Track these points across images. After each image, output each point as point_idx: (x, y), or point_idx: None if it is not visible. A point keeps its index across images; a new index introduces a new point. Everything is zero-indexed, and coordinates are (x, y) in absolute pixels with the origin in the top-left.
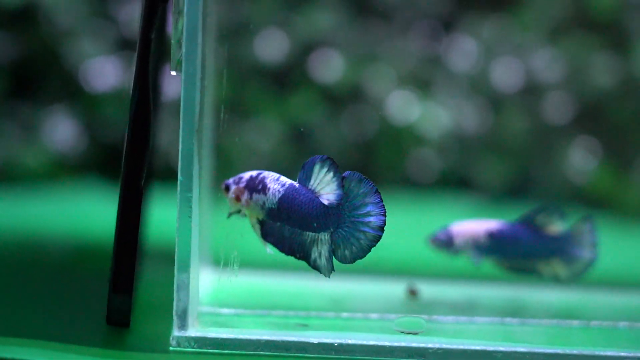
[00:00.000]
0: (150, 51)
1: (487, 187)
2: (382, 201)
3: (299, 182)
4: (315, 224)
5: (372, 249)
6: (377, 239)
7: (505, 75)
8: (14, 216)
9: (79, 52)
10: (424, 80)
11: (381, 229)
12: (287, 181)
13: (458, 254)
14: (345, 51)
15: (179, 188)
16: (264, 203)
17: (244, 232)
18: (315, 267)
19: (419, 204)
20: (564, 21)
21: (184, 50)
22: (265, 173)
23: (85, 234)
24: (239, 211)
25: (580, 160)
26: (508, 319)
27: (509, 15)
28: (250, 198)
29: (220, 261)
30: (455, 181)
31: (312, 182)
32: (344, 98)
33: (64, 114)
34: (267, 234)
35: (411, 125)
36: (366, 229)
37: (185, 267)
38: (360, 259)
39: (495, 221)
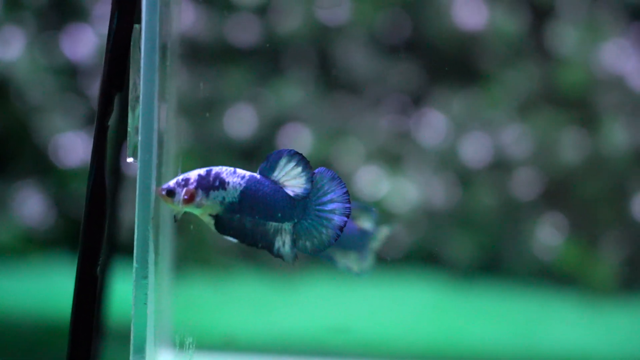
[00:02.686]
0: (106, 140)
1: (456, 262)
2: (349, 202)
3: (260, 173)
4: (279, 215)
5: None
6: (337, 236)
7: (474, 150)
8: None
9: (49, 127)
10: (393, 155)
11: (340, 228)
12: (246, 173)
13: None
14: (315, 126)
15: (134, 275)
16: (224, 198)
17: (204, 313)
18: (278, 255)
19: (387, 279)
20: (533, 97)
21: (140, 137)
22: (217, 168)
23: (54, 310)
24: (183, 212)
25: (548, 236)
26: None
27: (479, 90)
28: (207, 196)
29: (179, 344)
30: (423, 256)
31: (275, 173)
32: None
33: (34, 189)
34: (224, 228)
35: (380, 201)
36: (329, 225)
37: (141, 353)
38: (320, 252)
39: None
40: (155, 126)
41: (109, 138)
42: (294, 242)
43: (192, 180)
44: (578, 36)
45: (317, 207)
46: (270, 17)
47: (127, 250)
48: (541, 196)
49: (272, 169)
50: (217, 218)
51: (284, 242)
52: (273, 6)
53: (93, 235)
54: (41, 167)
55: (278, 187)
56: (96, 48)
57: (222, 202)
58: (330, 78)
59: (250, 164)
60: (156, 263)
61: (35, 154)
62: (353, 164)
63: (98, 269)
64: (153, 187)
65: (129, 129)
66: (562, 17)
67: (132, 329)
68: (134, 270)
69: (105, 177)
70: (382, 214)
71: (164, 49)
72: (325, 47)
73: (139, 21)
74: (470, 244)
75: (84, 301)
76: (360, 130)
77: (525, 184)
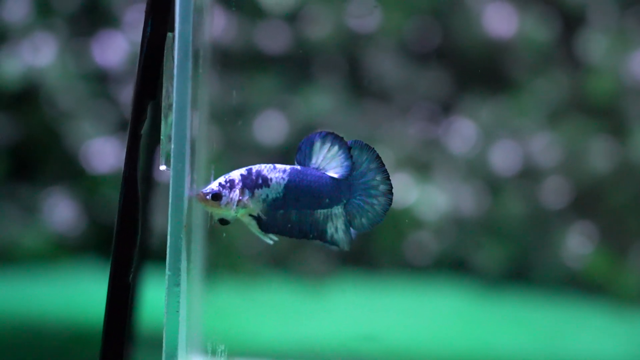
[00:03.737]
0: (139, 148)
1: (484, 271)
2: (384, 165)
3: (298, 164)
4: (327, 200)
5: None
6: (390, 201)
7: (504, 158)
8: (13, 298)
9: (79, 133)
10: (422, 163)
11: (390, 192)
12: (286, 167)
13: None
14: (344, 133)
15: (166, 283)
16: (267, 196)
17: (235, 320)
18: (333, 242)
19: (416, 287)
20: (562, 105)
21: (172, 146)
22: (257, 167)
23: (84, 316)
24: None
25: (577, 245)
26: None
27: (508, 98)
28: (252, 196)
29: (211, 351)
30: (452, 264)
31: (314, 160)
32: None
33: (64, 194)
34: (267, 227)
35: (409, 208)
36: (378, 194)
37: None
38: (378, 223)
39: None
40: (188, 134)
41: (142, 145)
42: (347, 225)
43: (237, 181)
44: (608, 44)
45: (361, 181)
46: (300, 25)
47: (158, 257)
48: (570, 205)
49: (309, 156)
50: (259, 217)
51: (336, 228)
52: (303, 14)
53: (125, 243)
54: (71, 173)
55: (320, 173)
56: (127, 54)
57: (265, 200)
58: (361, 86)
59: None
60: (188, 270)
61: (65, 160)
62: None
63: (130, 276)
64: (186, 195)
65: (162, 137)
66: (592, 26)
67: (164, 336)
68: (166, 277)
69: (138, 185)
70: (412, 221)
71: (196, 56)
72: (355, 54)
73: (172, 29)
74: (500, 252)
75: (116, 308)
76: (389, 138)
77: (554, 193)
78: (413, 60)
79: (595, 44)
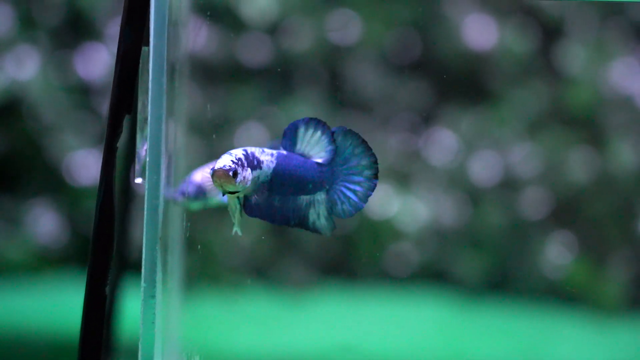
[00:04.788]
0: (115, 161)
1: (464, 281)
2: (371, 149)
3: (284, 149)
4: (310, 185)
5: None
6: (374, 186)
7: (483, 169)
8: None
9: (62, 146)
10: (402, 174)
11: (375, 176)
12: (273, 151)
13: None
14: None
15: (142, 294)
16: (258, 177)
17: (213, 332)
18: (314, 229)
19: (396, 298)
20: (541, 116)
21: (147, 159)
22: (250, 149)
23: (67, 328)
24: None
25: (557, 255)
26: None
27: (488, 109)
28: (251, 176)
29: None
30: (432, 275)
31: (298, 146)
32: None
33: (47, 207)
34: (253, 210)
35: (389, 219)
36: (361, 179)
37: None
38: (362, 208)
39: None
40: (163, 147)
41: (120, 158)
42: (329, 212)
43: (244, 160)
44: (587, 56)
45: (344, 167)
46: (280, 37)
47: (139, 269)
48: (550, 215)
49: (294, 142)
50: (245, 200)
51: (318, 214)
52: (283, 26)
53: (102, 254)
54: (54, 185)
55: (304, 159)
56: (109, 67)
57: (255, 182)
58: (338, 98)
59: None
60: (164, 282)
61: (48, 172)
62: None
63: (107, 287)
64: (161, 207)
65: (137, 150)
66: (571, 37)
67: (139, 348)
68: (141, 289)
69: (114, 197)
70: (392, 232)
71: (172, 70)
72: (335, 66)
73: (147, 43)
74: (479, 263)
75: (92, 320)
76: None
77: (533, 203)
78: (393, 71)
79: (574, 55)
